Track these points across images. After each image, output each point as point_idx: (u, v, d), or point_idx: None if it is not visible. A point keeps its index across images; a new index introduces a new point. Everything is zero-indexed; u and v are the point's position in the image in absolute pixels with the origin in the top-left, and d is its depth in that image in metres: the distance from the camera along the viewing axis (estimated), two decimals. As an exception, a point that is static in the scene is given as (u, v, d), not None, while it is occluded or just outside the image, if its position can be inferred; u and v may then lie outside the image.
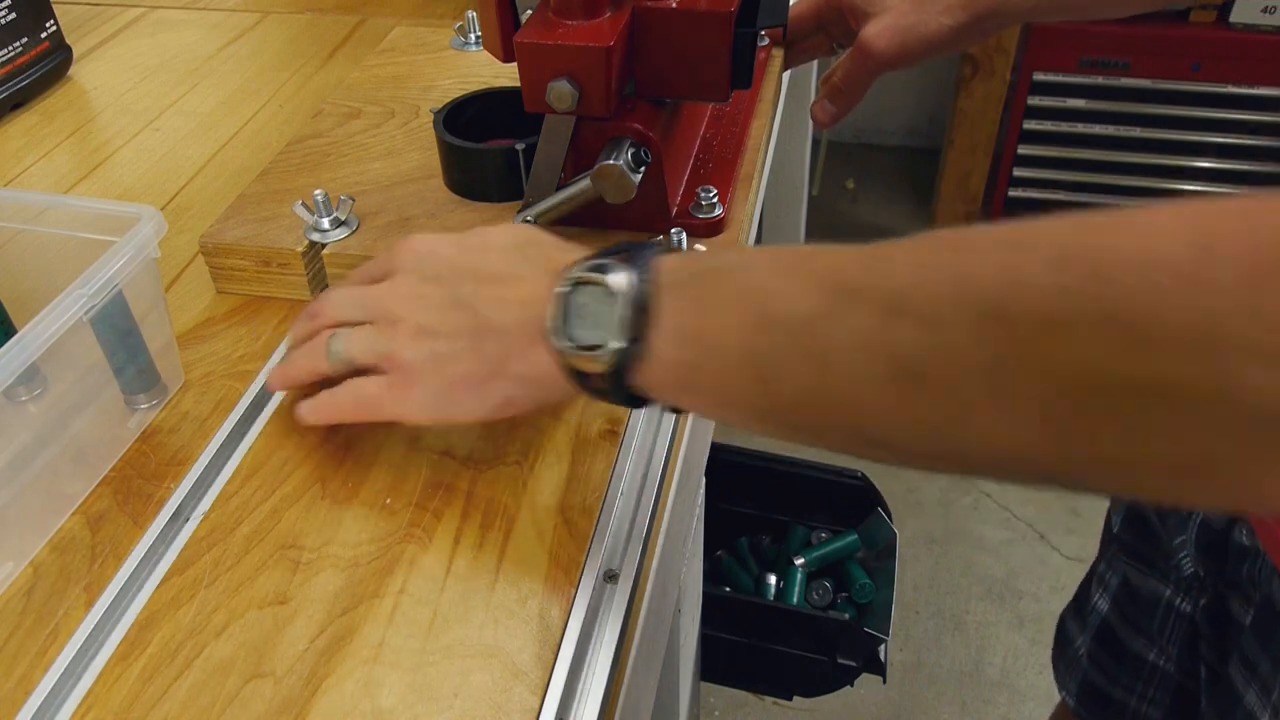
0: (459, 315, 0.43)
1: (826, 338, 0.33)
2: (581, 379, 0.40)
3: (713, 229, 0.58)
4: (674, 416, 0.51)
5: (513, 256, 0.44)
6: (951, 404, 0.31)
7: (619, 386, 0.38)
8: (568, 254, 0.43)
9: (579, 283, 0.39)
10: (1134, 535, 0.75)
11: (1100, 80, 2.04)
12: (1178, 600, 0.71)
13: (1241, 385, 0.25)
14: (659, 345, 0.37)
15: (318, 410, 0.48)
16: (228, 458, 0.49)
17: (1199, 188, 2.14)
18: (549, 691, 0.39)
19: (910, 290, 0.31)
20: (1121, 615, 0.77)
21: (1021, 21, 0.68)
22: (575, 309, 0.39)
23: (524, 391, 0.43)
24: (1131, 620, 0.76)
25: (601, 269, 0.38)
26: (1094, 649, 0.80)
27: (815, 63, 1.22)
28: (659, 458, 0.49)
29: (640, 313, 0.37)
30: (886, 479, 1.78)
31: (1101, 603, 0.79)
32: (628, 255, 0.39)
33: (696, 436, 0.61)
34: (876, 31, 0.67)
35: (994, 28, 0.67)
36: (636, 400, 0.39)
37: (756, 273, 0.36)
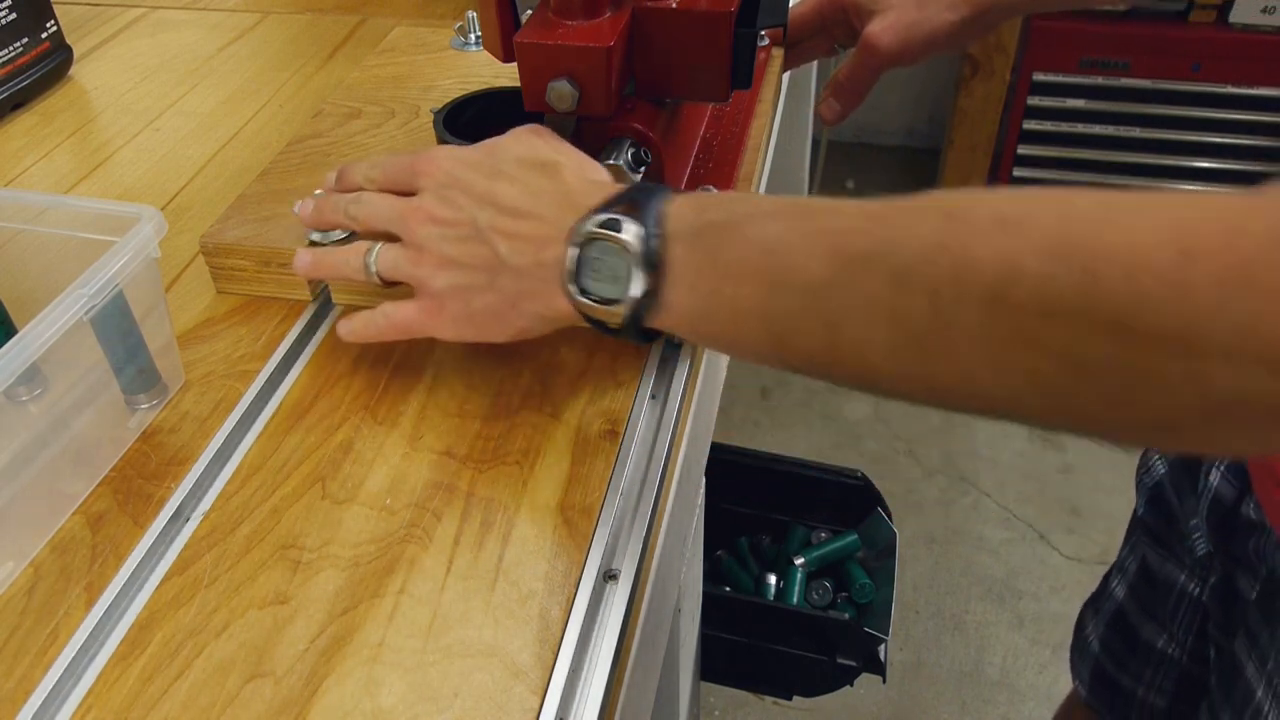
0: (477, 249, 0.45)
1: (838, 304, 0.36)
2: (598, 324, 0.43)
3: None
4: (674, 417, 0.51)
5: (528, 184, 0.46)
6: (952, 368, 0.34)
7: (633, 331, 0.42)
8: (580, 185, 0.45)
9: (592, 238, 0.41)
10: (1155, 516, 0.76)
11: (1100, 80, 2.04)
12: (1191, 586, 0.72)
13: (1209, 376, 0.29)
14: (672, 297, 0.40)
15: (356, 332, 0.51)
16: (228, 458, 0.49)
17: (1199, 188, 2.14)
18: (549, 691, 0.39)
19: (917, 265, 0.34)
20: (1136, 601, 0.78)
21: (1024, 13, 0.69)
22: (589, 263, 0.42)
23: (539, 325, 0.46)
24: (1146, 606, 0.77)
25: (613, 225, 0.41)
26: (1107, 635, 0.81)
27: (815, 63, 1.22)
28: (659, 458, 0.49)
29: (652, 267, 0.40)
30: (886, 479, 1.78)
31: (1119, 589, 0.80)
32: (635, 204, 0.41)
33: (696, 436, 0.61)
34: (881, 29, 0.67)
35: (997, 20, 0.68)
36: (650, 337, 0.43)
37: (766, 230, 0.38)
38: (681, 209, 0.41)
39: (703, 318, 0.40)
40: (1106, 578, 0.84)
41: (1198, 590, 0.71)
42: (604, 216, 0.41)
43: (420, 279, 0.47)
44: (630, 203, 0.41)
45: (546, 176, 0.46)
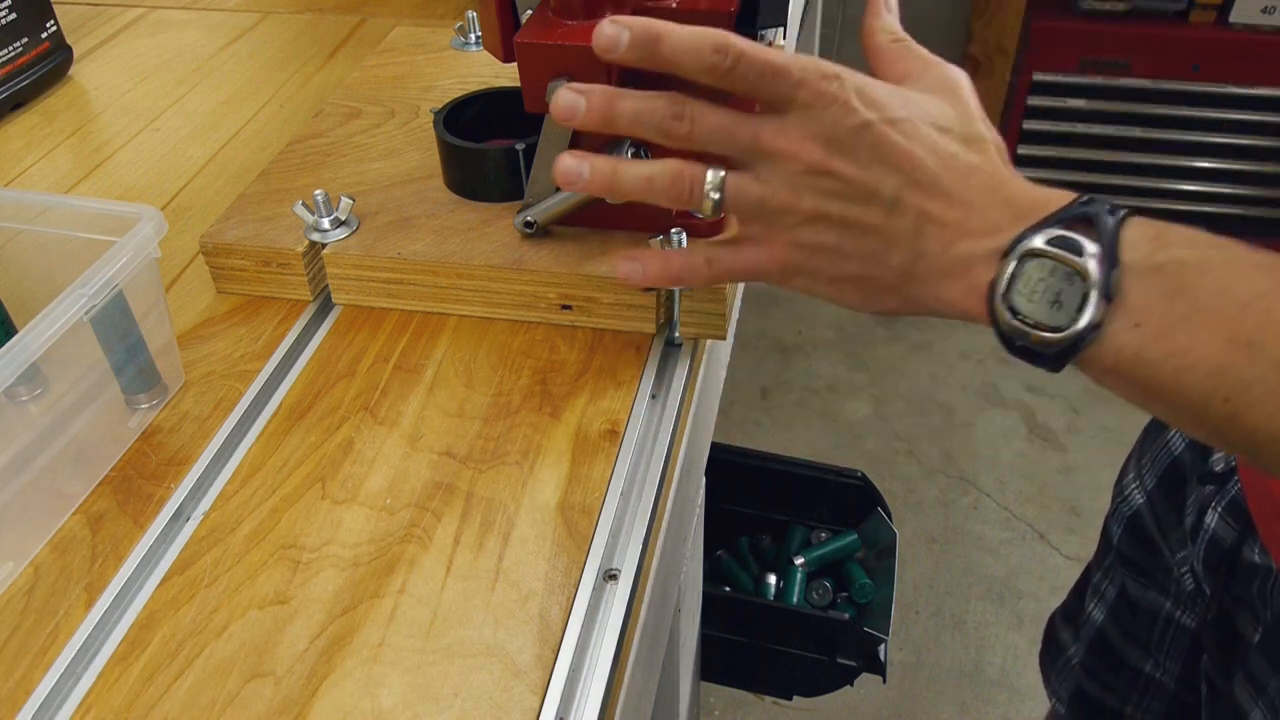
0: (876, 216, 0.39)
1: None
2: (1013, 343, 0.37)
3: (713, 229, 0.58)
4: (674, 417, 0.51)
5: (955, 159, 0.39)
6: None
7: (1057, 360, 0.37)
8: (1013, 177, 0.39)
9: (1036, 254, 0.36)
10: (1134, 547, 0.74)
11: (1100, 80, 2.04)
12: (1179, 614, 0.71)
13: None
14: (1117, 335, 0.36)
15: (653, 277, 0.44)
16: (228, 458, 0.49)
17: (1199, 188, 2.14)
18: (549, 691, 0.39)
19: None
20: (1118, 626, 0.77)
21: None
22: (1024, 279, 0.37)
23: (912, 309, 0.40)
24: (1129, 632, 0.75)
25: (1070, 245, 0.36)
26: (1088, 659, 0.80)
27: (817, 46, 1.22)
28: (659, 458, 0.49)
29: (1108, 299, 0.35)
30: (886, 479, 1.78)
31: (1097, 613, 0.79)
32: (1089, 220, 0.36)
33: (696, 436, 0.61)
34: None
35: None
36: (1060, 367, 0.37)
37: (1249, 283, 0.34)
38: (1138, 235, 0.36)
39: (1142, 361, 0.35)
40: (1080, 596, 0.82)
41: (1190, 622, 0.70)
42: (1056, 232, 0.36)
43: (785, 225, 0.40)
44: (1084, 219, 0.36)
45: (975, 153, 0.39)
